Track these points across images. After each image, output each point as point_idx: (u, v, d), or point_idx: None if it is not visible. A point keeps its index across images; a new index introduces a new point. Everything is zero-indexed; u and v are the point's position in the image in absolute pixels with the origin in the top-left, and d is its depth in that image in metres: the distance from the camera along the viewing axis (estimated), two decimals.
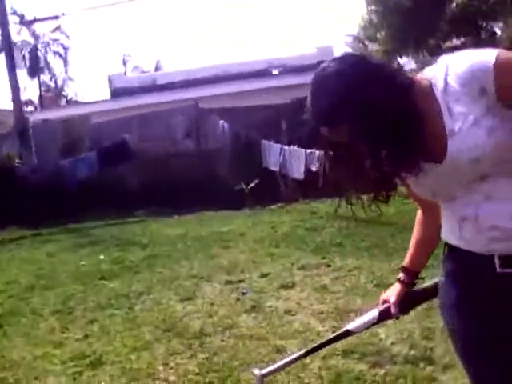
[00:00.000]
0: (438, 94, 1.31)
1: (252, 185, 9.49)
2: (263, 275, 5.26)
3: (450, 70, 1.30)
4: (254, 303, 4.45)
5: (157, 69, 21.22)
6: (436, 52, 10.60)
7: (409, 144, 1.30)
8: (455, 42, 11.57)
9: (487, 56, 1.26)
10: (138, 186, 10.46)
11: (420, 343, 3.34)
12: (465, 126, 1.28)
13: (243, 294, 4.80)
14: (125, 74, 21.63)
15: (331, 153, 1.40)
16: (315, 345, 1.87)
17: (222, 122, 10.39)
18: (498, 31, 12.96)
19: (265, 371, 1.86)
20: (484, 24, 12.78)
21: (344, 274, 5.06)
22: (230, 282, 5.14)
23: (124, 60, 30.68)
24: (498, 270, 1.35)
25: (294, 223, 7.66)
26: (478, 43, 11.96)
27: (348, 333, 1.76)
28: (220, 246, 6.67)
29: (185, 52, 41.16)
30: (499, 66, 1.24)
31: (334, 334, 1.85)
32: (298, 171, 8.55)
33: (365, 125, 1.28)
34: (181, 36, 41.01)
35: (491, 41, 12.05)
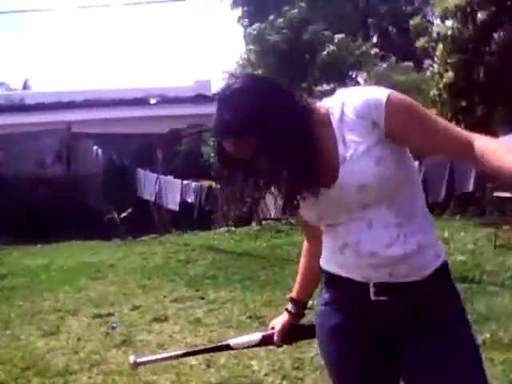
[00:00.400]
0: (335, 123, 1.39)
1: (124, 214, 9.23)
2: (134, 308, 5.10)
3: (347, 102, 1.38)
4: (125, 337, 4.29)
5: (25, 88, 20.06)
6: (308, 95, 11.22)
7: (306, 166, 1.36)
8: (325, 87, 12.38)
9: (381, 93, 1.36)
10: None
11: (291, 373, 3.42)
12: (356, 155, 1.36)
13: (113, 328, 4.60)
14: None
15: (229, 170, 1.43)
16: (196, 349, 1.87)
17: (95, 147, 10.05)
18: (361, 80, 14.11)
19: (140, 360, 1.85)
20: (350, 73, 13.85)
21: (217, 306, 5.06)
22: (98, 316, 4.90)
23: None
24: (373, 297, 1.42)
25: (167, 255, 7.54)
26: None
27: (228, 347, 1.76)
28: (88, 278, 6.35)
29: (56, 73, 39.39)
30: (390, 105, 1.34)
31: (215, 345, 1.88)
32: (173, 202, 8.49)
33: (269, 140, 1.32)
34: (52, 56, 39.34)
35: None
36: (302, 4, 14.91)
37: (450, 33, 9.50)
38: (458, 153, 1.45)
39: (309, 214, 1.48)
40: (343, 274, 1.47)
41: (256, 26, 14.71)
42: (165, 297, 5.44)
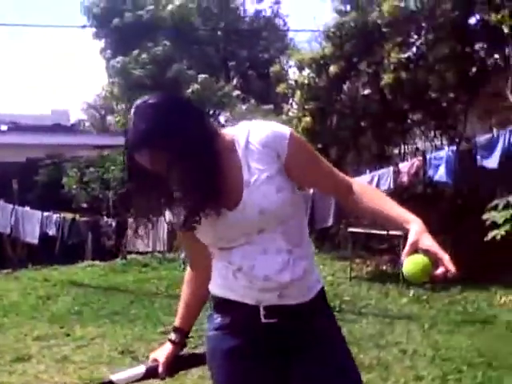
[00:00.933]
0: (240, 150, 1.48)
1: None
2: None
3: (253, 133, 1.48)
4: None
5: None
6: None
7: (212, 183, 1.42)
8: None
9: (284, 129, 1.51)
10: None
11: None
12: (259, 180, 1.46)
13: None
14: None
15: (138, 183, 1.48)
16: None
17: None
18: (223, 120, 14.64)
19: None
20: (212, 112, 14.31)
21: (86, 342, 4.87)
22: None
23: None
24: (263, 320, 1.50)
25: (25, 291, 7.04)
26: None
27: (112, 383, 1.67)
28: None
29: None
30: (292, 141, 1.48)
31: (97, 382, 1.79)
32: (31, 235, 7.98)
33: (180, 154, 1.38)
34: None
35: (222, 127, 13.51)
36: (167, 42, 15.19)
37: (306, 81, 10.32)
38: (339, 193, 1.63)
39: (206, 234, 1.52)
40: (234, 297, 1.53)
41: (120, 59, 14.64)
42: (26, 335, 5.10)
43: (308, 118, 9.92)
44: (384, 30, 9.59)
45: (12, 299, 6.64)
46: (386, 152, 9.36)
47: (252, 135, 1.48)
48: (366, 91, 9.78)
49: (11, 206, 8.31)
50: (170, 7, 15.97)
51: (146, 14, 15.49)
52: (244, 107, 14.43)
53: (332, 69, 10.30)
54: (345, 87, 10.53)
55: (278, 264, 1.48)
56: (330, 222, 6.26)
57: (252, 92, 16.51)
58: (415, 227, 1.43)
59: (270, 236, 1.49)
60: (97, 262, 8.44)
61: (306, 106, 10.16)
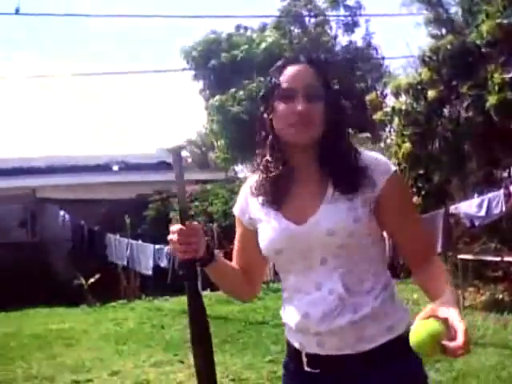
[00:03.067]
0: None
1: (92, 280, 9.05)
2: (113, 373, 5.00)
3: (359, 153, 1.42)
4: None
5: None
6: None
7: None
8: None
9: (391, 164, 1.44)
10: None
11: None
12: (341, 203, 1.37)
13: None
14: None
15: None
16: None
17: (62, 212, 9.95)
18: None
19: None
20: None
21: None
22: (76, 382, 4.78)
23: None
24: (306, 368, 1.42)
25: (140, 320, 7.42)
26: None
27: None
28: (61, 344, 6.17)
29: (19, 140, 38.97)
30: (395, 176, 1.40)
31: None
32: (146, 267, 8.44)
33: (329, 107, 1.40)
34: (14, 123, 39.14)
35: None
36: (261, 78, 15.68)
37: (404, 107, 10.19)
38: (414, 257, 1.44)
39: (270, 245, 1.43)
40: (287, 334, 1.48)
41: (218, 97, 15.29)
42: (143, 361, 5.35)
43: (408, 144, 9.76)
44: (484, 50, 9.31)
45: (129, 328, 7.01)
46: (494, 175, 8.94)
47: (358, 154, 1.42)
48: (469, 114, 9.46)
49: (126, 240, 8.85)
50: (263, 45, 16.55)
51: (241, 54, 16.14)
52: None
53: (430, 93, 10.11)
54: (445, 111, 10.27)
55: (325, 305, 1.37)
56: (438, 249, 6.06)
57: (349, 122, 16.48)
58: (445, 299, 1.25)
59: (329, 272, 1.37)
60: (205, 292, 8.71)
61: (405, 132, 10.01)
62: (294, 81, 1.40)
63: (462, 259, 7.03)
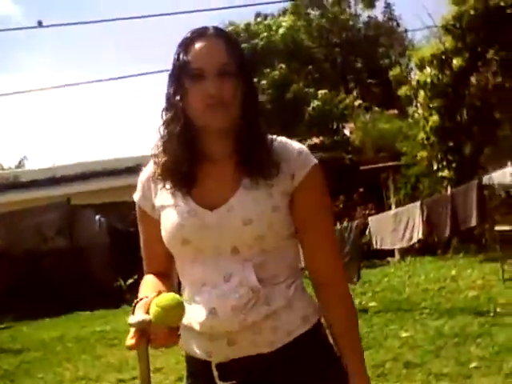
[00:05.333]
0: None
1: (131, 281, 9.19)
2: (157, 370, 5.05)
3: (280, 141, 1.32)
4: None
5: (20, 166, 20.36)
6: None
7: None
8: (314, 140, 12.74)
9: (313, 157, 1.31)
10: (4, 288, 9.61)
11: None
12: (258, 190, 1.26)
13: None
14: None
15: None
16: None
17: (98, 217, 10.13)
18: (348, 132, 14.55)
19: None
20: (336, 126, 14.29)
21: None
22: (122, 381, 4.87)
23: None
24: (218, 382, 1.26)
25: None
26: (334, 142, 13.32)
27: None
28: (105, 345, 6.30)
29: (48, 150, 40.00)
30: (314, 170, 1.29)
31: None
32: None
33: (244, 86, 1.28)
34: (43, 132, 40.18)
35: (344, 140, 13.49)
36: (282, 65, 15.57)
37: (429, 80, 9.97)
38: (317, 268, 1.32)
39: (176, 234, 1.28)
40: (190, 351, 1.31)
41: None
42: (184, 356, 5.41)
43: (435, 117, 9.56)
44: (509, 11, 9.01)
45: None
46: None
47: (277, 142, 1.31)
48: (498, 79, 9.19)
49: None
50: (280, 31, 16.41)
51: (261, 42, 16.05)
52: (368, 116, 14.23)
53: (455, 62, 9.87)
54: (472, 79, 10.00)
55: (234, 298, 1.22)
56: (474, 221, 5.91)
57: (374, 99, 16.26)
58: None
59: (240, 262, 1.24)
60: None
61: (432, 105, 9.80)
62: (204, 58, 1.25)
63: (499, 231, 6.85)
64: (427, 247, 8.36)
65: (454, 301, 6.05)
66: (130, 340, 1.14)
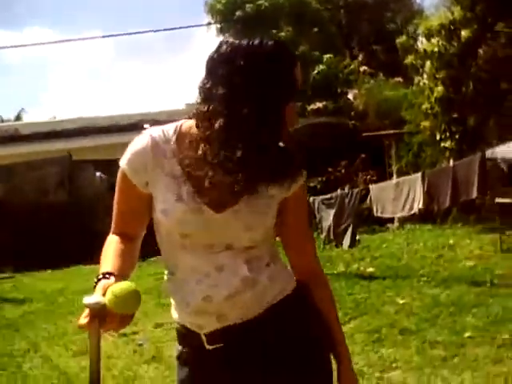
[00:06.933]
0: None
1: None
2: (158, 325, 5.18)
3: None
4: (153, 353, 4.39)
5: (18, 118, 20.14)
6: (303, 114, 11.54)
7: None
8: (318, 104, 12.67)
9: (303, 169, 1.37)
10: (4, 240, 9.70)
11: None
12: (262, 199, 1.30)
13: (140, 345, 4.70)
14: None
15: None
16: None
17: (98, 173, 10.15)
18: (351, 97, 14.45)
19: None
20: (340, 90, 14.18)
21: None
22: (123, 335, 4.97)
23: None
24: (207, 346, 1.33)
25: None
26: (337, 107, 13.25)
27: None
28: None
29: (48, 102, 39.65)
30: (304, 183, 1.39)
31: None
32: None
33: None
34: (43, 86, 39.76)
35: (348, 106, 13.41)
36: (289, 27, 15.33)
37: (436, 50, 9.86)
38: (299, 258, 1.43)
39: (176, 226, 1.30)
40: (178, 318, 1.38)
41: None
42: None
43: (440, 88, 9.51)
44: None
45: None
46: None
47: None
48: (506, 52, 9.11)
49: None
50: None
51: (265, 3, 15.76)
52: (372, 82, 14.12)
53: (464, 33, 9.75)
54: (480, 51, 9.91)
55: (228, 287, 1.30)
56: (474, 193, 5.97)
57: (379, 66, 16.08)
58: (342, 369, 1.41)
59: (233, 256, 1.31)
60: None
61: (438, 76, 9.73)
62: (299, 83, 1.31)
63: (499, 203, 6.93)
64: (427, 215, 8.44)
65: (451, 270, 6.16)
66: (83, 319, 1.17)
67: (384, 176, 9.34)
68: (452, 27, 9.84)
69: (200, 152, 1.26)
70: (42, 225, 9.81)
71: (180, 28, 19.69)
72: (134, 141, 1.36)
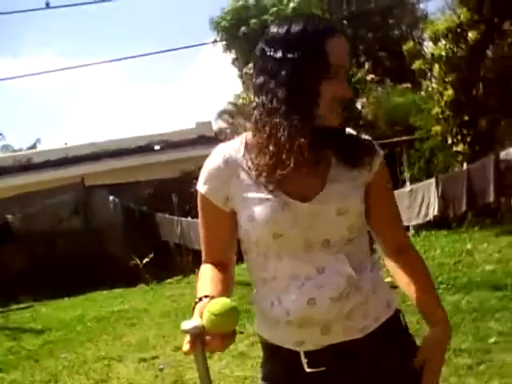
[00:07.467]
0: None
1: (147, 259, 9.29)
2: (177, 348, 5.13)
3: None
4: (175, 377, 4.35)
5: (33, 147, 20.47)
6: None
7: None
8: None
9: (380, 149, 1.38)
10: (21, 270, 9.76)
11: None
12: (346, 182, 1.29)
13: (161, 369, 4.66)
14: None
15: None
16: None
17: (112, 197, 10.20)
18: (359, 106, 14.38)
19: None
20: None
21: (259, 339, 5.11)
22: (143, 360, 4.96)
23: None
24: (307, 369, 1.27)
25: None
26: (345, 118, 13.17)
27: None
28: (124, 325, 6.41)
29: (62, 130, 40.23)
30: (383, 162, 1.38)
31: None
32: (197, 242, 8.58)
33: None
34: (56, 114, 40.38)
35: (356, 115, 13.34)
36: None
37: (444, 53, 9.79)
38: (388, 240, 1.42)
39: (267, 227, 1.25)
40: (272, 339, 1.32)
41: (251, 64, 15.12)
42: None
43: (450, 91, 9.42)
44: None
45: (187, 303, 7.18)
46: None
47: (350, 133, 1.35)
48: None
49: (175, 218, 9.01)
50: (291, 4, 16.18)
51: (271, 17, 15.85)
52: (380, 90, 14.06)
53: (471, 35, 9.68)
54: (488, 52, 9.82)
55: (332, 288, 1.24)
56: (491, 197, 5.88)
57: (387, 73, 16.04)
58: (432, 337, 1.34)
59: (332, 254, 1.26)
60: None
61: (447, 79, 9.64)
62: (343, 57, 1.25)
63: None
64: (441, 221, 8.32)
65: (470, 275, 6.04)
66: (186, 345, 1.16)
67: (396, 184, 9.24)
68: (459, 30, 9.78)
69: (269, 154, 1.24)
70: (57, 252, 9.87)
71: (185, 47, 19.76)
72: (206, 162, 1.35)
